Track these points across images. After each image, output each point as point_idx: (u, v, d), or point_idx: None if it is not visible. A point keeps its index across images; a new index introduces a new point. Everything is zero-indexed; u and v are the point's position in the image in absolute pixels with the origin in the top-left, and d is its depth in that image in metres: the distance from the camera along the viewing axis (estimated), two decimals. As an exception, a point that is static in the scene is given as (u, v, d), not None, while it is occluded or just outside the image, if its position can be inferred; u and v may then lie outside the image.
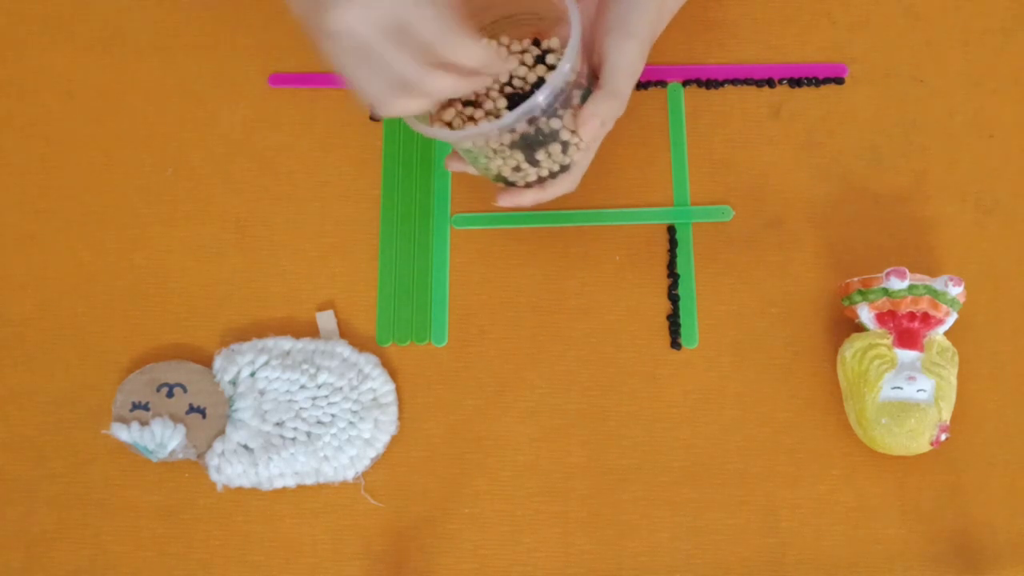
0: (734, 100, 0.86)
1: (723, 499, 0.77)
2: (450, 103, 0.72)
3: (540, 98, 0.67)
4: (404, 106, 0.66)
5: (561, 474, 0.78)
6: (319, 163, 0.85)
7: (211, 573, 0.76)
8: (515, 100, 0.72)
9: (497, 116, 0.71)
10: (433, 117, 0.73)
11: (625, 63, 0.71)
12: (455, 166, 0.76)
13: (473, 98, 0.72)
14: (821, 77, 0.86)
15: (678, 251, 0.82)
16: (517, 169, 0.72)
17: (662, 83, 0.86)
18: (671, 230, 0.83)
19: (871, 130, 0.85)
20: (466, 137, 0.69)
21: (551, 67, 0.72)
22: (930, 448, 0.75)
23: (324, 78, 0.86)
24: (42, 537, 0.77)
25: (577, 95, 0.70)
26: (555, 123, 0.70)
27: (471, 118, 0.72)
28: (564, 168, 0.73)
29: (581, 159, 0.74)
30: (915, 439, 0.74)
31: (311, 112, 0.86)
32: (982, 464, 0.78)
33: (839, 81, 0.86)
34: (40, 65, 0.86)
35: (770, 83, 0.86)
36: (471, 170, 0.75)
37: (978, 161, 0.84)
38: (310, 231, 0.83)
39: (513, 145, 0.70)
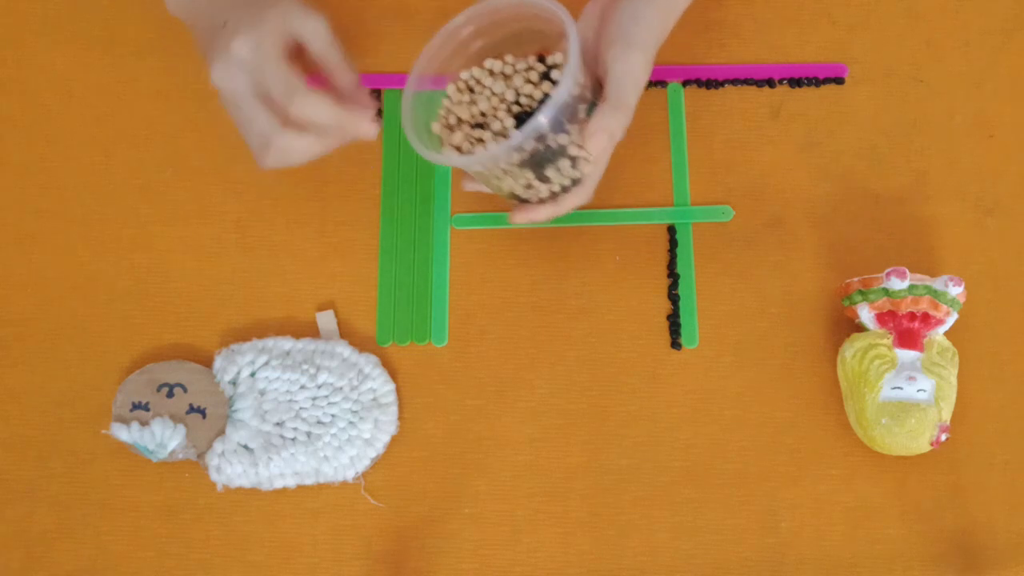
0: (734, 100, 0.86)
1: (723, 499, 0.77)
2: (459, 126, 0.73)
3: (542, 117, 0.67)
4: (274, 159, 0.71)
5: (561, 474, 0.78)
6: (319, 163, 0.84)
7: (211, 573, 0.76)
8: (523, 119, 0.72)
9: (505, 136, 0.71)
10: (443, 141, 0.73)
11: (630, 75, 0.71)
12: (470, 186, 0.76)
13: (481, 119, 0.73)
14: (821, 77, 0.86)
15: (678, 251, 0.82)
16: (528, 187, 0.72)
17: (662, 83, 0.86)
18: (671, 230, 0.83)
19: (871, 130, 0.85)
20: (475, 161, 0.69)
21: (556, 83, 0.72)
22: (930, 448, 0.75)
23: (324, 78, 0.85)
24: (42, 537, 0.77)
25: (583, 109, 0.70)
26: (563, 138, 0.70)
27: (480, 140, 0.72)
28: (575, 182, 0.73)
29: (593, 172, 0.74)
30: (915, 439, 0.74)
31: (311, 112, 0.85)
32: (982, 464, 0.78)
33: (839, 81, 0.86)
34: (40, 65, 0.86)
35: (770, 83, 0.86)
36: (485, 189, 0.75)
37: (978, 161, 0.84)
38: (310, 231, 0.83)
39: (523, 164, 0.70)
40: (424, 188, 0.84)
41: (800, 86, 0.86)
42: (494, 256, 0.82)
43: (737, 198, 0.83)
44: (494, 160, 0.69)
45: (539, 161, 0.70)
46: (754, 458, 0.78)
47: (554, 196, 0.74)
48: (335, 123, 0.71)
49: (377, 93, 0.86)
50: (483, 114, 0.73)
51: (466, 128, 0.73)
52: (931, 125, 0.85)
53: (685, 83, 0.86)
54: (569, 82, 0.68)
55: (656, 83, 0.86)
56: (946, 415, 0.75)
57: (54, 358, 0.80)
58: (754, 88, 0.86)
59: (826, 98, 0.86)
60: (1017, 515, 0.77)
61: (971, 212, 0.83)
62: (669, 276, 0.82)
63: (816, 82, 0.86)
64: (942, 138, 0.85)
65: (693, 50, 0.87)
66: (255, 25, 0.70)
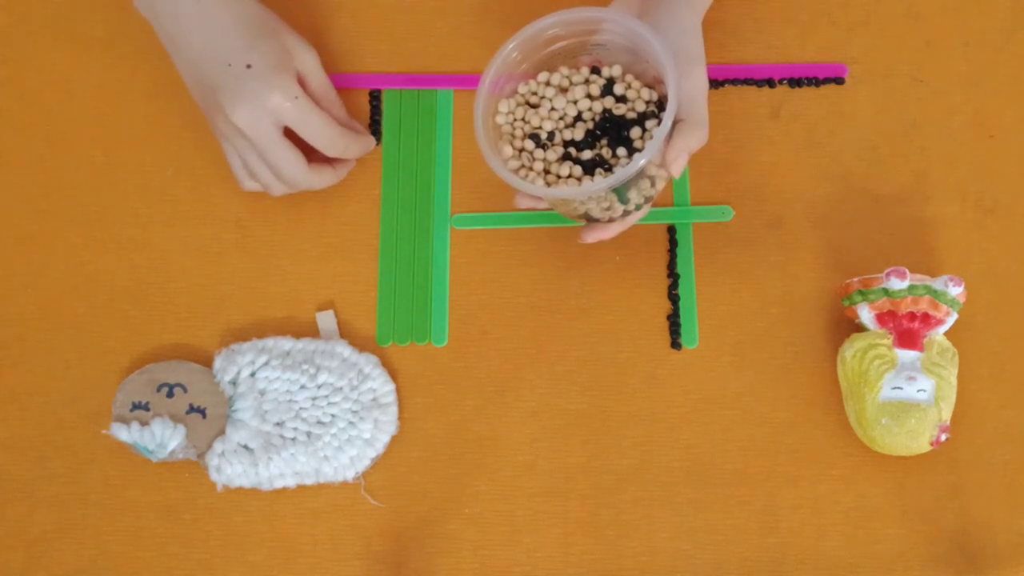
0: (734, 100, 0.86)
1: (723, 499, 0.77)
2: (521, 149, 0.73)
3: (644, 160, 0.68)
4: (286, 189, 0.78)
5: (561, 474, 0.78)
6: (319, 163, 0.85)
7: (211, 573, 0.76)
8: (592, 134, 0.72)
9: (577, 161, 0.72)
10: (515, 166, 0.73)
11: (700, 91, 0.72)
12: (526, 203, 0.75)
13: (543, 140, 0.73)
14: (821, 77, 0.86)
15: (678, 251, 0.82)
16: (607, 208, 0.73)
17: (662, 83, 0.86)
18: (671, 230, 0.83)
19: (871, 130, 0.85)
20: (585, 192, 0.69)
21: (619, 98, 0.73)
22: (930, 448, 0.75)
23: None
24: (42, 537, 0.77)
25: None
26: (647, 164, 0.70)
27: (530, 153, 0.73)
28: (648, 199, 0.74)
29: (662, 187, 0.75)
30: (915, 439, 0.74)
31: (311, 112, 0.85)
32: (982, 464, 0.78)
33: (839, 81, 0.86)
34: (40, 65, 0.86)
35: (770, 83, 0.86)
36: (542, 205, 0.75)
37: (978, 161, 0.84)
38: (310, 231, 0.83)
39: (609, 188, 0.71)
40: (424, 188, 0.84)
41: (800, 86, 0.86)
42: (494, 256, 0.82)
43: (737, 198, 0.83)
44: (594, 192, 0.69)
45: (625, 185, 0.71)
46: (754, 458, 0.78)
47: (625, 214, 0.74)
48: (360, 154, 0.80)
49: (376, 93, 0.86)
50: (550, 132, 0.73)
51: (529, 145, 0.73)
52: (931, 125, 0.85)
53: (685, 83, 0.86)
54: (670, 121, 0.68)
55: (656, 83, 0.86)
56: (946, 415, 0.75)
57: (54, 358, 0.80)
58: (754, 88, 0.86)
59: (826, 98, 0.86)
60: (1017, 515, 0.77)
61: (971, 212, 0.83)
62: (669, 276, 0.82)
63: (816, 82, 0.86)
64: (942, 138, 0.85)
65: (693, 50, 0.86)
66: (281, 73, 0.74)
